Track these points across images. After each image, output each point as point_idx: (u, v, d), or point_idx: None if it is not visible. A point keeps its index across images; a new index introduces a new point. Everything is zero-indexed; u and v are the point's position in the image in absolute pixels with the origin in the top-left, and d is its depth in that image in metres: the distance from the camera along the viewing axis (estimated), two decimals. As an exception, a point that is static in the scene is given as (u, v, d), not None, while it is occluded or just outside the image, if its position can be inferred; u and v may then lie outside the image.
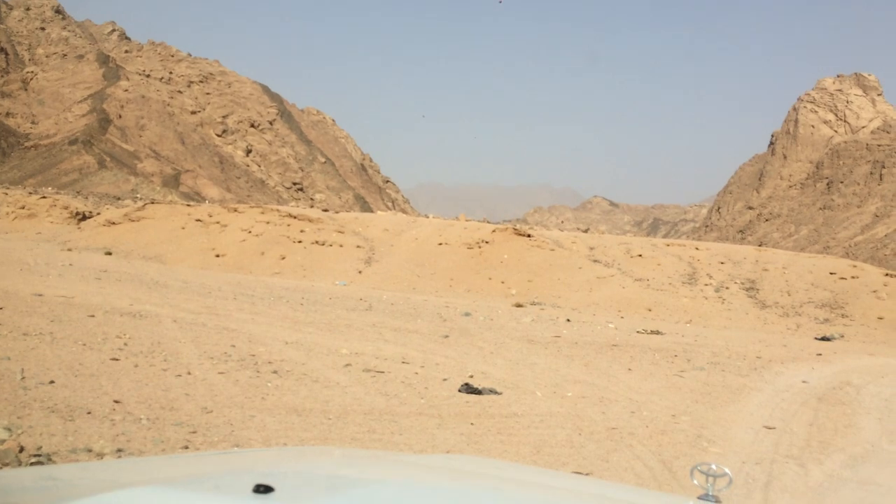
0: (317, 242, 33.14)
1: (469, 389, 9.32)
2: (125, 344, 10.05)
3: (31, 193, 54.21)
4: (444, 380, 9.99)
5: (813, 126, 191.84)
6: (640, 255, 31.56)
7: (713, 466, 2.34)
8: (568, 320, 20.91)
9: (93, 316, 12.21)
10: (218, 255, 31.99)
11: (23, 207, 47.47)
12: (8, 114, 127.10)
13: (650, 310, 25.53)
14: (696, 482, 2.33)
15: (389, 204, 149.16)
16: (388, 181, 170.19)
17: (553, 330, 18.04)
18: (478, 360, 12.27)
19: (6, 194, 51.37)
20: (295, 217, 35.75)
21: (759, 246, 56.65)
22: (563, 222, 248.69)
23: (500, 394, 9.41)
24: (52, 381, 7.25)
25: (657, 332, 19.16)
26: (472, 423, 7.75)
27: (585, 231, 48.33)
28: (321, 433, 6.74)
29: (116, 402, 6.84)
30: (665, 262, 30.67)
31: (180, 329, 12.02)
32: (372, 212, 73.47)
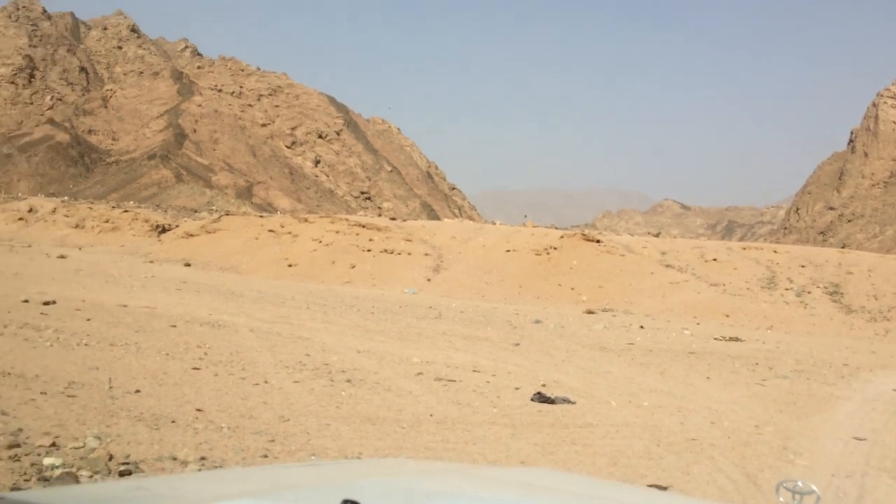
0: (385, 251, 33.49)
1: (542, 398, 9.24)
2: (205, 353, 10.34)
3: (113, 207, 56.54)
4: (517, 388, 9.93)
5: (894, 122, 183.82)
6: (715, 259, 30.76)
7: (800, 483, 2.25)
8: (641, 327, 20.55)
9: (174, 326, 12.62)
10: (290, 265, 32.67)
11: (107, 221, 49.53)
12: (90, 131, 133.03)
13: (728, 316, 24.86)
14: (782, 500, 2.24)
15: (456, 211, 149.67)
16: (454, 188, 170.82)
17: (626, 337, 17.75)
18: (550, 368, 12.16)
19: (91, 209, 53.69)
20: (364, 226, 36.22)
21: (842, 248, 54.55)
22: (633, 227, 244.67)
23: (573, 403, 9.30)
24: (137, 391, 7.52)
25: (736, 339, 18.65)
26: (546, 433, 7.68)
27: (656, 235, 47.43)
28: (395, 442, 6.78)
29: (198, 410, 7.04)
30: (742, 266, 29.81)
31: (257, 338, 12.31)
32: (438, 219, 73.84)
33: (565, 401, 9.33)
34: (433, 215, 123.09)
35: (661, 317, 24.47)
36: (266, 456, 5.84)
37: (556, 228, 43.75)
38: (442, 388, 9.60)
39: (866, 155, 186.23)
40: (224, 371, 9.28)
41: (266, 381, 8.88)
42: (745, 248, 33.32)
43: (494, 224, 47.04)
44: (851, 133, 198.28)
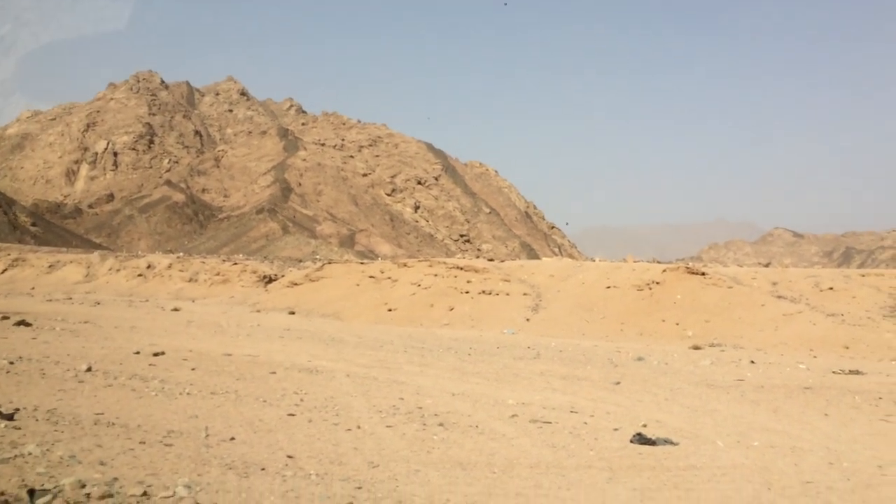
0: (483, 292, 33.39)
1: (642, 440, 8.81)
2: (301, 400, 10.47)
3: (224, 261, 59.14)
4: (615, 430, 9.52)
5: None
6: (832, 288, 28.99)
7: None
8: (752, 362, 19.51)
9: (274, 373, 12.89)
10: (390, 310, 33.04)
11: (218, 274, 51.82)
12: (203, 190, 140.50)
13: (847, 347, 23.27)
14: None
15: (556, 250, 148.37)
16: (553, 227, 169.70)
17: (735, 373, 16.87)
18: (652, 407, 11.65)
19: (204, 263, 56.32)
20: (461, 268, 36.30)
21: (975, 271, 50.39)
22: (742, 258, 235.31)
23: (676, 444, 8.82)
24: (232, 438, 7.64)
25: (857, 372, 17.38)
26: (645, 477, 7.27)
27: (766, 265, 45.32)
28: (485, 487, 6.57)
29: (289, 457, 7.07)
30: (861, 295, 27.95)
31: (353, 383, 12.39)
32: (538, 258, 73.26)
33: (667, 442, 8.86)
34: (532, 255, 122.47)
35: (773, 351, 23.18)
36: (352, 503, 5.76)
37: (658, 263, 42.49)
38: (537, 430, 9.32)
39: None
40: (318, 417, 9.34)
41: (359, 427, 8.87)
42: (864, 276, 31.27)
43: (594, 261, 46.21)
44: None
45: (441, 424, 9.30)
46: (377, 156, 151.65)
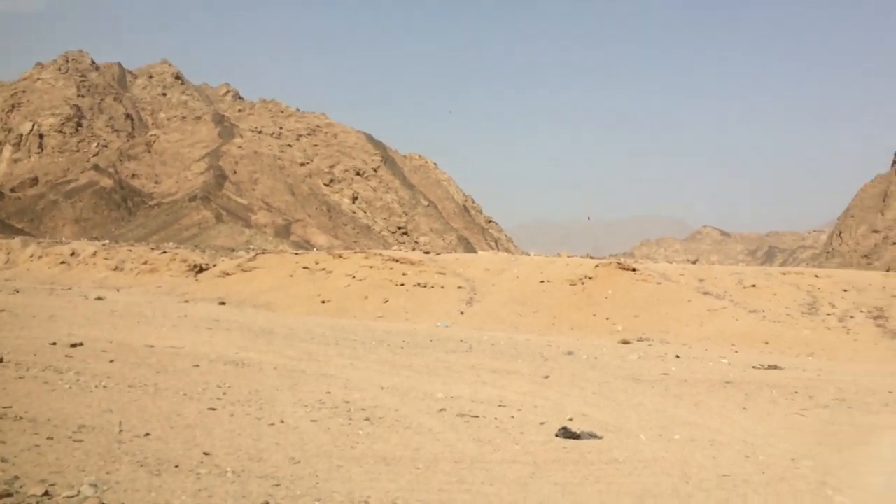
0: (419, 285, 33.29)
1: (567, 434, 8.86)
2: (224, 393, 10.18)
3: (153, 249, 57.46)
4: (542, 424, 9.56)
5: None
6: (754, 286, 29.91)
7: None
8: (677, 357, 19.93)
9: (197, 366, 12.52)
10: (324, 301, 32.65)
11: (145, 263, 50.31)
12: (133, 175, 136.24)
13: (767, 343, 24.04)
14: None
15: (493, 244, 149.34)
16: (490, 221, 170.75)
17: (661, 367, 17.20)
18: (579, 401, 11.76)
19: (131, 251, 54.62)
20: (397, 260, 36.11)
21: (887, 271, 52.78)
22: (671, 255, 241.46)
23: (600, 438, 8.91)
24: (147, 434, 7.35)
25: (775, 367, 17.96)
26: (568, 471, 7.30)
27: (694, 262, 46.48)
28: (408, 483, 6.49)
29: (206, 453, 6.84)
30: (781, 292, 28.93)
31: (280, 376, 12.14)
32: (475, 252, 73.58)
33: (592, 436, 8.94)
34: (469, 248, 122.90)
35: (698, 346, 23.77)
36: (268, 503, 5.59)
37: (592, 258, 43.14)
38: (464, 424, 9.29)
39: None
40: (241, 411, 9.09)
41: (282, 421, 8.67)
42: (785, 274, 32.38)
43: (529, 255, 46.64)
44: (895, 154, 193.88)
45: (367, 419, 9.17)
46: (316, 145, 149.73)
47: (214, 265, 48.83)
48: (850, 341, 23.69)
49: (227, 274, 40.55)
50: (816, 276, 30.91)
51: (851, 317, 25.79)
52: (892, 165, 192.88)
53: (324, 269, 37.08)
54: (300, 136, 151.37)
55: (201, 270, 47.87)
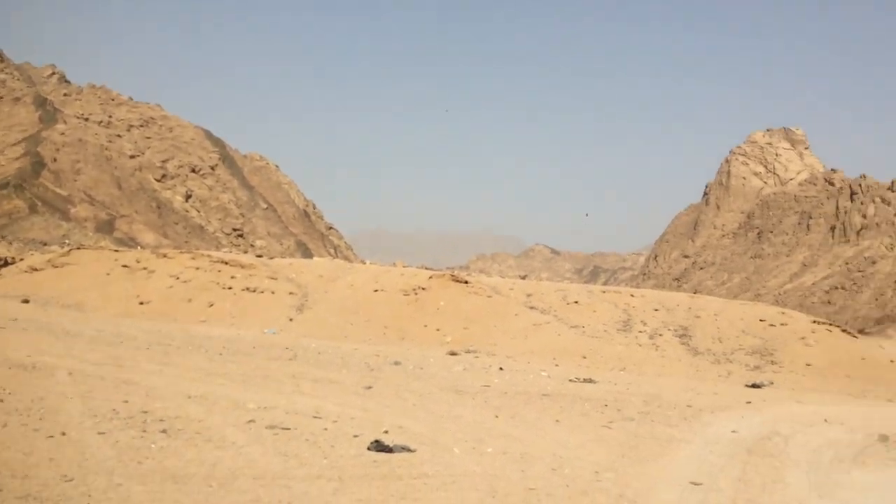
0: (248, 289, 31.96)
1: (379, 447, 8.57)
2: (1, 400, 9.02)
3: (-50, 238, 51.51)
4: (355, 436, 9.21)
5: (744, 178, 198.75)
6: (577, 302, 31.30)
7: None
8: (501, 369, 20.29)
9: (-25, 369, 11.09)
10: (142, 303, 30.54)
11: (-61, 252, 44.95)
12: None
13: (585, 357, 25.12)
14: None
15: (332, 251, 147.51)
16: (331, 228, 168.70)
17: (484, 379, 17.39)
18: (398, 413, 11.52)
19: (-78, 238, 48.69)
20: (226, 263, 34.51)
21: (694, 293, 57.31)
22: (505, 270, 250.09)
23: (413, 451, 8.69)
24: None
25: (590, 381, 18.68)
26: (375, 487, 7.00)
27: (523, 278, 48.14)
28: (195, 503, 5.90)
29: (-43, 471, 5.91)
30: (601, 309, 30.45)
31: (73, 383, 10.99)
32: (314, 258, 72.17)
33: (404, 449, 8.70)
34: (308, 254, 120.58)
35: (521, 358, 24.39)
36: (19, 528, 4.84)
37: (427, 269, 43.49)
38: (272, 437, 8.75)
39: (718, 207, 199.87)
40: (16, 421, 8.05)
41: (63, 433, 7.74)
42: (604, 292, 34.18)
43: (365, 263, 46.31)
44: (706, 186, 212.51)
45: (164, 431, 8.41)
46: (148, 138, 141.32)
47: (21, 259, 44.46)
48: (658, 357, 25.25)
49: (36, 269, 36.98)
50: (632, 296, 32.86)
51: (660, 334, 27.56)
52: (703, 197, 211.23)
53: (145, 269, 34.73)
54: (131, 126, 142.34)
55: (6, 264, 43.37)
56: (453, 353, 24.29)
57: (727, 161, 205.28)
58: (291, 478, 7.03)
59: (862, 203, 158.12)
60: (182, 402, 10.32)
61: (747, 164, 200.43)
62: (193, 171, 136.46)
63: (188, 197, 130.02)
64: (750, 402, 16.41)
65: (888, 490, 8.74)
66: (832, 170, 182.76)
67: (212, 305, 30.12)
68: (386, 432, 9.67)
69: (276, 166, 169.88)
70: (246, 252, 51.98)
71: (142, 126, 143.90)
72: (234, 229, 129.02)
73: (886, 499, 8.25)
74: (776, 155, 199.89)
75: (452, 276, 34.80)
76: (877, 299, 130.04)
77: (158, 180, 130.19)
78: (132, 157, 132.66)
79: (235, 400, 11.02)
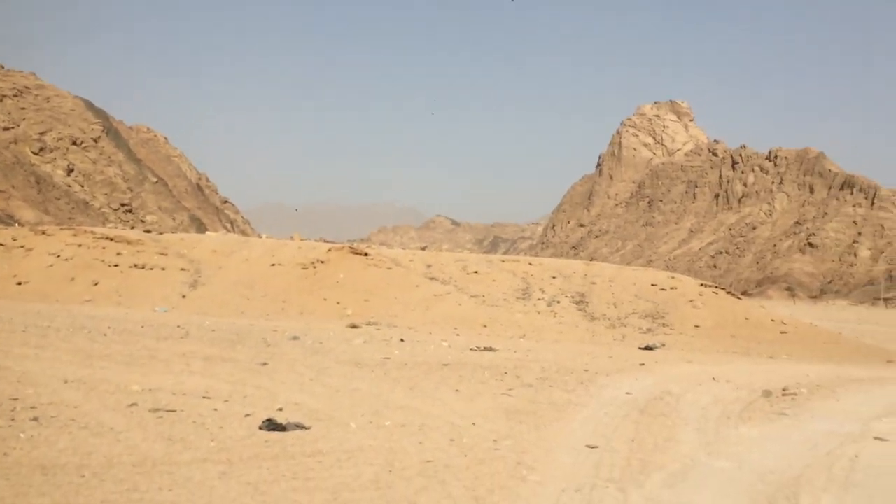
0: (136, 266, 30.52)
1: (272, 426, 8.23)
2: None
3: None
4: (247, 416, 8.82)
5: (635, 149, 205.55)
6: (476, 272, 31.52)
7: None
8: (402, 340, 20.15)
9: None
10: (19, 283, 28.65)
11: None
12: None
13: (485, 326, 25.33)
14: None
15: (228, 225, 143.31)
16: (226, 201, 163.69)
17: (384, 351, 17.19)
18: (294, 389, 11.18)
19: None
20: (112, 239, 32.81)
21: (590, 261, 58.98)
22: (407, 241, 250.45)
23: (308, 428, 8.40)
24: None
25: (490, 349, 18.79)
26: (265, 468, 6.69)
27: (423, 249, 48.17)
28: (63, 497, 5.44)
29: None
30: (500, 279, 30.78)
31: (-68, 371, 10.06)
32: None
33: (298, 426, 8.40)
34: (202, 229, 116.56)
35: (423, 329, 24.34)
36: None
37: (325, 242, 42.75)
38: (156, 420, 8.25)
39: (611, 177, 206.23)
40: None
41: (-85, 427, 7.02)
42: (503, 262, 34.55)
43: (261, 237, 45.09)
44: (599, 157, 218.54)
45: (36, 419, 7.79)
46: (23, 108, 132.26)
47: None
48: (556, 324, 25.77)
49: None
50: (530, 265, 33.36)
51: (558, 301, 28.12)
52: (596, 167, 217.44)
53: (23, 247, 32.58)
54: (4, 96, 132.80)
55: None
56: (354, 326, 23.98)
57: (618, 133, 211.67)
58: (174, 463, 6.62)
59: (742, 172, 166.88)
60: (57, 388, 9.63)
61: (637, 135, 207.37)
62: (75, 143, 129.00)
63: (70, 171, 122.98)
64: (643, 364, 16.93)
65: (772, 443, 9.11)
66: (715, 140, 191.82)
67: (97, 284, 28.60)
68: (280, 410, 9.34)
69: (165, 138, 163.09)
70: (133, 228, 49.67)
71: (15, 96, 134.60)
72: (122, 204, 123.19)
73: (771, 451, 8.60)
74: (664, 127, 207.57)
75: (352, 248, 34.36)
76: (757, 262, 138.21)
77: (36, 153, 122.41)
78: (6, 129, 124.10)
79: (117, 383, 10.39)
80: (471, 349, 18.63)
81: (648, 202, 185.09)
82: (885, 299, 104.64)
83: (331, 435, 8.19)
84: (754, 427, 10.10)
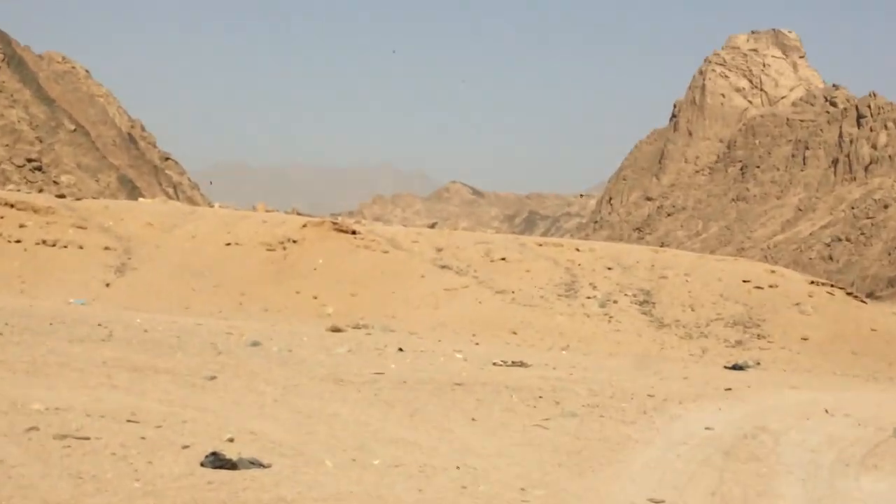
0: (44, 242, 30.98)
1: (218, 462, 8.23)
2: None
3: None
4: (185, 447, 8.83)
5: (723, 95, 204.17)
6: (504, 259, 31.58)
7: None
8: (400, 349, 20.28)
9: None
10: None
11: None
12: None
13: (515, 333, 25.45)
14: None
15: (170, 190, 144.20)
16: (167, 158, 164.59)
17: (376, 364, 17.29)
18: (251, 412, 11.22)
19: None
20: (13, 206, 33.27)
21: (659, 247, 58.93)
22: (412, 216, 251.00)
23: (267, 466, 8.41)
24: None
25: (521, 364, 18.86)
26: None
27: (432, 227, 48.30)
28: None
29: None
30: (536, 269, 30.82)
31: None
32: (144, 199, 70.27)
33: (254, 464, 8.40)
34: (135, 195, 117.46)
35: (430, 334, 24.50)
36: None
37: (300, 215, 42.94)
38: (61, 450, 8.27)
39: (690, 134, 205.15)
40: None
41: None
42: (541, 245, 34.60)
43: (213, 207, 45.39)
44: (674, 107, 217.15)
45: None
46: None
47: None
48: (612, 332, 25.80)
49: None
50: (578, 250, 33.37)
51: (614, 301, 28.11)
52: (670, 120, 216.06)
53: None
54: None
55: None
56: (336, 330, 24.19)
57: (701, 73, 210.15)
58: (83, 510, 6.60)
59: (871, 129, 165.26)
60: (-72, 405, 9.67)
61: (727, 76, 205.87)
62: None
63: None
64: (730, 389, 16.90)
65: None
66: (834, 85, 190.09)
67: (-10, 266, 28.99)
68: (231, 441, 9.36)
69: (87, 71, 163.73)
70: (42, 191, 50.07)
71: None
72: (29, 160, 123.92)
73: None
74: (763, 66, 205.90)
75: (335, 224, 34.52)
76: (889, 254, 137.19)
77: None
78: None
79: (13, 399, 10.46)
80: (494, 364, 18.73)
81: (741, 169, 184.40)
82: None
83: (298, 476, 8.19)
84: (882, 479, 10.02)
